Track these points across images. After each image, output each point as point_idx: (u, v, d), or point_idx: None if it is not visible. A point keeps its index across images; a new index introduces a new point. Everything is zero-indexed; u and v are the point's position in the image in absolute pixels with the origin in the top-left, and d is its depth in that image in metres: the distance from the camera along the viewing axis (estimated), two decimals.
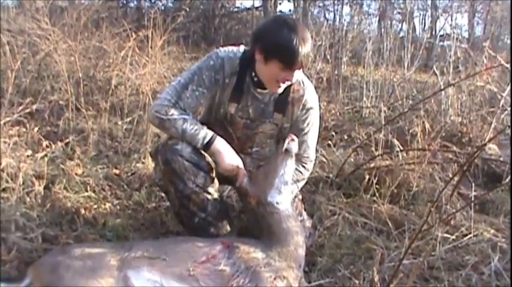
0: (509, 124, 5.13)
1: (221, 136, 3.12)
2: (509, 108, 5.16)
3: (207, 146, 2.98)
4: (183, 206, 3.09)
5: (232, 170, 3.02)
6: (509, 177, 3.86)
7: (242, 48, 3.16)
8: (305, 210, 3.47)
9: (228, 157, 3.00)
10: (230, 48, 3.16)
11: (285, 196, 2.96)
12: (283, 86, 3.02)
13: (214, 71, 3.06)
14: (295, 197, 3.38)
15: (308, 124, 3.24)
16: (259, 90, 3.13)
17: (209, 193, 3.09)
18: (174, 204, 3.15)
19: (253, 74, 3.07)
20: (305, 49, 2.83)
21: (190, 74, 3.07)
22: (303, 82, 3.18)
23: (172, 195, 3.09)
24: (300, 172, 3.33)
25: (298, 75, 3.00)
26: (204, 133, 2.98)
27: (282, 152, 2.97)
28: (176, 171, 2.99)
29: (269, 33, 2.93)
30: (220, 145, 3.00)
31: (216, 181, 3.13)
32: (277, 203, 2.92)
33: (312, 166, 3.43)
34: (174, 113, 2.97)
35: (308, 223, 3.37)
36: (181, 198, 3.06)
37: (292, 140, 2.98)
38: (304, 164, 3.33)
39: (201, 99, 3.08)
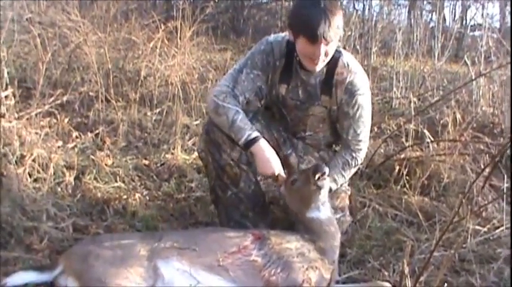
0: None
1: (278, 119, 3.30)
2: None
3: (249, 144, 3.01)
4: (218, 177, 3.21)
5: (270, 175, 3.06)
6: None
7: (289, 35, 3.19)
8: (350, 204, 3.46)
9: (268, 161, 3.02)
10: (278, 34, 3.26)
11: (324, 209, 2.91)
12: (319, 63, 2.99)
13: (266, 54, 3.15)
14: (343, 190, 3.38)
15: (354, 108, 3.19)
16: (304, 71, 3.15)
17: (243, 170, 3.18)
18: (211, 176, 3.26)
19: (296, 55, 3.10)
20: (328, 22, 2.81)
21: (244, 60, 3.20)
22: (348, 65, 3.14)
23: (210, 166, 3.22)
24: (347, 162, 3.28)
25: (330, 50, 2.96)
26: (250, 131, 3.02)
27: (314, 187, 2.84)
28: (214, 141, 3.13)
29: (294, 9, 3.06)
30: (262, 147, 3.02)
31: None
32: (316, 217, 2.89)
33: (363, 155, 3.36)
34: (230, 101, 3.05)
35: (348, 219, 3.36)
36: (217, 168, 3.19)
37: (323, 176, 2.84)
38: (353, 153, 3.28)
39: (257, 82, 3.15)
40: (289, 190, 2.97)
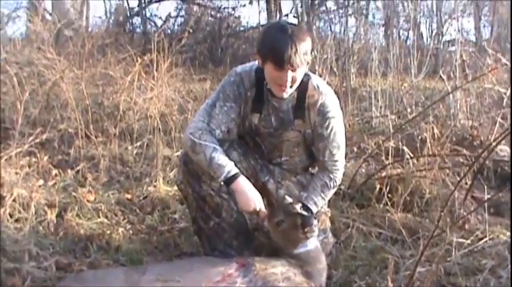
0: None
1: (252, 147, 3.31)
2: None
3: (229, 181, 3.02)
4: (199, 208, 3.21)
5: (251, 212, 3.06)
6: None
7: (257, 62, 3.19)
8: (332, 225, 3.48)
9: (249, 198, 3.03)
10: (246, 64, 3.27)
11: (312, 241, 2.90)
12: (287, 89, 3.00)
13: (236, 85, 3.15)
14: (323, 212, 3.38)
15: (327, 130, 3.20)
16: (275, 98, 3.16)
17: (224, 199, 3.17)
18: (191, 207, 3.26)
19: (266, 82, 3.11)
20: (294, 48, 2.82)
21: (215, 94, 3.20)
22: (318, 87, 3.16)
23: (190, 197, 3.21)
24: (326, 184, 3.28)
25: (298, 75, 2.97)
26: (230, 168, 3.02)
27: (302, 236, 2.84)
28: (193, 172, 3.13)
29: (262, 35, 3.08)
30: (242, 184, 3.03)
31: None
32: (304, 250, 2.87)
33: (341, 175, 3.35)
34: (207, 139, 3.05)
35: (331, 241, 3.37)
36: (197, 199, 3.19)
37: (311, 228, 2.82)
38: (330, 174, 3.28)
39: (231, 114, 3.15)
40: (274, 229, 2.95)
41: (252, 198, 3.03)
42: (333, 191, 3.35)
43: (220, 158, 3.02)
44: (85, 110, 5.16)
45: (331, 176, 3.28)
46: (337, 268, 3.29)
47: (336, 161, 3.27)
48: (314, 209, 3.22)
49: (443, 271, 3.18)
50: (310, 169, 3.48)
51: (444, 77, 5.98)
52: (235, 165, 3.10)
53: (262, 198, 3.16)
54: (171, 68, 6.20)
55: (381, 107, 6.64)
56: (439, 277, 3.12)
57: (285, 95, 3.07)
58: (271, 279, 2.70)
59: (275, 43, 2.86)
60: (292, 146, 3.32)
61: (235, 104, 3.16)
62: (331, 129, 3.20)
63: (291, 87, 3.00)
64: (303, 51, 2.87)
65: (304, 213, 2.90)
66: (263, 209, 3.05)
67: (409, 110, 6.32)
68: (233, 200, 3.18)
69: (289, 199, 3.08)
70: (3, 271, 3.00)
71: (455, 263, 3.21)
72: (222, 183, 3.04)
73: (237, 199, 3.07)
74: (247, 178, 3.13)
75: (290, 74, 2.91)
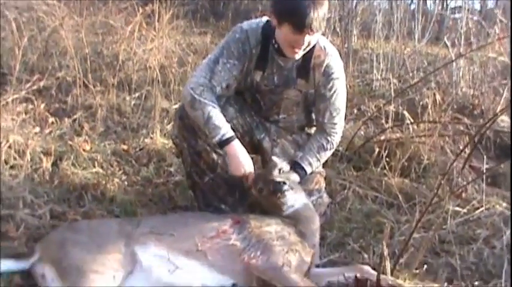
0: None
1: (250, 103, 3.29)
2: None
3: (223, 144, 3.01)
4: (194, 163, 3.20)
5: (241, 175, 3.05)
6: None
7: (265, 18, 3.17)
8: (327, 185, 3.45)
9: (240, 162, 3.02)
10: (252, 20, 3.21)
11: (299, 199, 2.94)
12: (299, 52, 2.98)
13: (241, 43, 3.11)
14: (318, 173, 3.35)
15: (331, 91, 3.19)
16: (281, 57, 3.12)
17: (220, 155, 3.16)
18: (186, 163, 3.26)
19: (274, 41, 3.07)
20: (315, 13, 2.77)
21: (219, 49, 3.14)
22: (324, 48, 3.14)
23: (186, 151, 3.20)
24: (323, 145, 3.27)
25: (313, 40, 2.94)
26: (225, 131, 3.00)
27: (278, 201, 2.89)
28: (188, 127, 3.11)
29: None
30: (236, 148, 3.02)
31: None
32: (293, 210, 2.90)
33: (338, 139, 3.35)
34: (207, 97, 3.02)
35: (326, 200, 3.35)
36: (192, 154, 3.18)
37: (283, 194, 2.87)
38: (328, 137, 3.27)
39: (233, 71, 3.12)
40: (257, 195, 2.98)
41: (243, 163, 3.02)
42: (329, 153, 3.34)
43: (218, 118, 2.99)
44: (84, 58, 5.08)
45: (329, 138, 3.27)
46: (332, 229, 3.30)
47: (335, 123, 3.26)
48: (308, 170, 3.22)
49: (438, 239, 3.21)
50: (306, 129, 3.46)
51: (448, 43, 5.92)
52: (232, 121, 3.11)
53: (257, 155, 3.23)
54: (173, 19, 6.11)
55: (382, 70, 6.58)
56: (433, 244, 3.13)
57: (297, 57, 3.05)
58: (266, 237, 2.70)
59: (296, 6, 2.79)
60: (291, 105, 3.29)
61: (239, 61, 3.11)
62: (334, 91, 3.18)
63: (304, 49, 2.97)
64: (322, 15, 2.82)
65: (279, 179, 2.89)
66: (252, 172, 3.05)
67: (410, 74, 6.27)
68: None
69: (277, 162, 3.07)
70: None
71: (450, 231, 3.23)
72: (216, 144, 3.04)
73: (228, 162, 3.07)
74: (242, 138, 3.16)
75: (307, 38, 2.87)
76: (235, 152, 3.02)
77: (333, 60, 3.15)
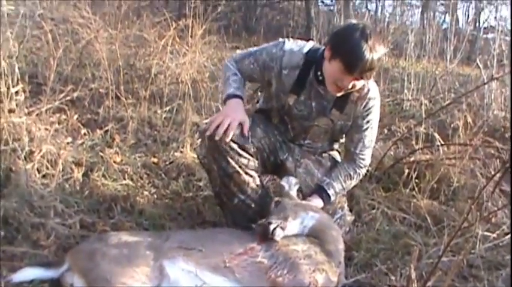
0: None
1: (276, 124, 3.34)
2: None
3: (227, 98, 3.16)
4: (224, 185, 3.15)
5: (223, 120, 3.01)
6: None
7: (310, 44, 3.20)
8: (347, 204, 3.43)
9: (233, 109, 3.10)
10: (297, 42, 3.23)
11: (308, 219, 2.91)
12: (341, 92, 3.01)
13: (271, 58, 3.18)
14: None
15: (368, 121, 3.22)
16: (322, 86, 3.12)
17: (251, 176, 3.14)
18: (215, 183, 3.21)
19: (319, 73, 3.08)
20: (370, 58, 2.78)
21: (256, 49, 3.31)
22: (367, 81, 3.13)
23: (215, 173, 3.15)
24: (350, 175, 3.30)
25: (359, 84, 2.96)
26: (235, 90, 3.18)
27: None
28: (219, 148, 3.04)
29: (342, 33, 2.95)
30: (237, 102, 3.14)
31: (258, 165, 3.18)
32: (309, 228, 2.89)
33: (365, 171, 3.39)
34: (233, 65, 3.31)
35: (348, 218, 3.33)
36: (223, 176, 3.12)
37: (273, 237, 2.73)
38: (356, 168, 3.31)
39: (253, 74, 3.28)
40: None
41: (236, 111, 3.08)
42: (354, 183, 3.36)
43: (235, 81, 3.22)
44: (117, 70, 5.15)
45: (357, 170, 3.31)
46: (359, 250, 3.28)
47: (365, 155, 3.30)
48: (333, 197, 3.23)
49: (466, 263, 3.16)
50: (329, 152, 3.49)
51: (480, 65, 5.88)
52: (260, 141, 3.19)
53: (280, 176, 3.28)
54: (205, 34, 6.16)
55: (413, 90, 6.56)
56: (461, 268, 3.10)
57: (338, 95, 3.06)
58: (293, 256, 2.69)
59: (354, 48, 2.79)
60: (319, 132, 3.32)
61: (260, 70, 3.23)
62: (371, 124, 3.23)
63: (346, 91, 2.99)
64: (376, 63, 2.83)
65: (270, 220, 2.78)
66: (247, 124, 3.08)
67: (441, 95, 6.23)
68: (258, 176, 3.20)
69: (284, 185, 3.15)
70: (29, 225, 3.03)
71: (478, 256, 3.19)
72: (224, 98, 3.19)
73: (221, 109, 3.20)
74: (267, 158, 3.26)
75: (354, 81, 2.89)
76: (234, 104, 3.13)
77: (373, 91, 3.17)
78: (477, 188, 3.92)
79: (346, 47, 2.83)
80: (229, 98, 3.15)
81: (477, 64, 6.05)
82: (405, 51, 7.29)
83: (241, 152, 3.06)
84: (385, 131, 5.36)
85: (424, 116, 4.99)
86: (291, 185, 3.15)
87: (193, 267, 2.56)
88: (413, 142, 4.60)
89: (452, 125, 5.01)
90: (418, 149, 4.38)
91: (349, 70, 2.82)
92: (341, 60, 2.83)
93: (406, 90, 6.54)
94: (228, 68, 3.29)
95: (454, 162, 4.17)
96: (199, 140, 3.23)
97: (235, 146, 3.03)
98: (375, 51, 2.79)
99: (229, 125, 2.98)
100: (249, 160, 3.09)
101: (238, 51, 3.42)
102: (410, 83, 6.61)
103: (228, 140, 2.98)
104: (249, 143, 3.09)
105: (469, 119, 4.69)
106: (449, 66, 6.99)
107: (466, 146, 4.28)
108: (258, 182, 3.18)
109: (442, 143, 4.40)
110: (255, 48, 3.32)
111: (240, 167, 3.08)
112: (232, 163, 3.06)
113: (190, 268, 2.56)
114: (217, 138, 2.98)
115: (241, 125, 3.04)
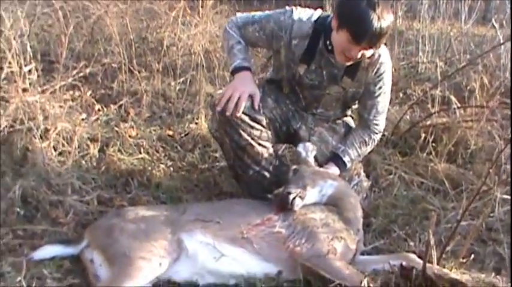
0: None
1: (287, 94, 3.30)
2: None
3: (236, 71, 3.12)
4: (238, 157, 3.15)
5: (232, 94, 3.00)
6: None
7: (318, 12, 3.15)
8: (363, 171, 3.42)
9: (243, 82, 3.07)
10: (306, 11, 3.17)
11: (327, 187, 2.93)
12: (350, 61, 2.98)
13: (279, 27, 3.12)
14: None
15: (380, 87, 3.20)
16: (332, 54, 3.07)
17: (264, 147, 3.14)
18: (229, 156, 3.22)
19: (328, 42, 3.04)
20: (378, 27, 2.72)
21: (261, 16, 3.21)
22: None
23: (228, 146, 3.15)
24: (365, 141, 3.30)
25: (367, 54, 2.92)
26: (242, 61, 3.13)
27: None
28: (230, 121, 3.03)
29: (349, 2, 2.87)
30: (246, 75, 3.11)
31: (271, 135, 3.18)
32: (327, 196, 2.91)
33: (379, 137, 3.39)
34: (236, 32, 3.20)
35: (366, 184, 3.33)
36: (236, 149, 3.12)
37: (292, 207, 2.75)
38: (371, 133, 3.30)
39: (258, 42, 3.24)
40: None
41: (246, 84, 3.06)
42: (369, 149, 3.36)
43: (240, 50, 3.16)
44: (129, 44, 5.13)
45: (372, 136, 3.30)
46: (377, 216, 3.28)
47: (379, 121, 3.29)
48: (349, 164, 3.24)
49: (485, 227, 3.15)
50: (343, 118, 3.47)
51: (496, 25, 5.78)
52: (271, 111, 3.18)
53: (294, 145, 3.27)
54: (216, 4, 6.12)
55: (428, 52, 6.46)
56: (480, 232, 3.08)
57: (347, 64, 3.03)
58: (311, 224, 2.70)
59: (361, 17, 2.74)
60: (331, 101, 3.30)
61: (267, 39, 3.18)
62: (383, 90, 3.20)
63: (355, 60, 2.96)
64: (385, 31, 2.77)
65: (288, 190, 2.79)
66: (257, 96, 3.07)
67: (457, 57, 6.14)
68: (272, 147, 3.20)
69: (301, 151, 3.15)
70: (47, 203, 3.06)
71: (497, 219, 3.17)
72: (231, 70, 3.15)
73: (233, 81, 3.13)
74: (279, 128, 3.25)
75: (362, 51, 2.85)
76: (243, 76, 3.09)
77: (384, 57, 3.12)
78: (495, 151, 3.88)
79: (353, 16, 2.78)
80: (237, 71, 3.12)
81: (492, 24, 5.93)
82: (419, 13, 7.16)
83: (253, 124, 3.04)
84: (401, 94, 5.31)
85: (439, 78, 4.94)
86: (307, 151, 3.14)
87: (211, 239, 2.58)
88: (429, 105, 4.55)
89: (468, 87, 4.93)
90: (434, 113, 4.34)
91: (357, 40, 2.78)
92: (348, 30, 2.78)
93: (421, 53, 6.44)
94: (231, 35, 3.21)
95: (471, 125, 4.13)
96: (211, 113, 3.24)
97: (246, 118, 3.02)
98: (383, 20, 2.74)
99: (239, 99, 2.97)
100: (261, 131, 3.08)
101: (239, 15, 3.30)
102: (425, 45, 6.51)
103: (239, 114, 2.97)
104: (260, 115, 3.08)
105: (486, 81, 4.61)
106: (464, 27, 6.86)
107: (482, 108, 4.23)
108: (272, 153, 3.18)
109: (459, 105, 4.35)
110: (259, 13, 3.23)
111: (252, 139, 3.07)
112: (245, 135, 3.06)
113: (208, 240, 2.58)
114: (228, 113, 2.97)
115: (251, 97, 3.02)
